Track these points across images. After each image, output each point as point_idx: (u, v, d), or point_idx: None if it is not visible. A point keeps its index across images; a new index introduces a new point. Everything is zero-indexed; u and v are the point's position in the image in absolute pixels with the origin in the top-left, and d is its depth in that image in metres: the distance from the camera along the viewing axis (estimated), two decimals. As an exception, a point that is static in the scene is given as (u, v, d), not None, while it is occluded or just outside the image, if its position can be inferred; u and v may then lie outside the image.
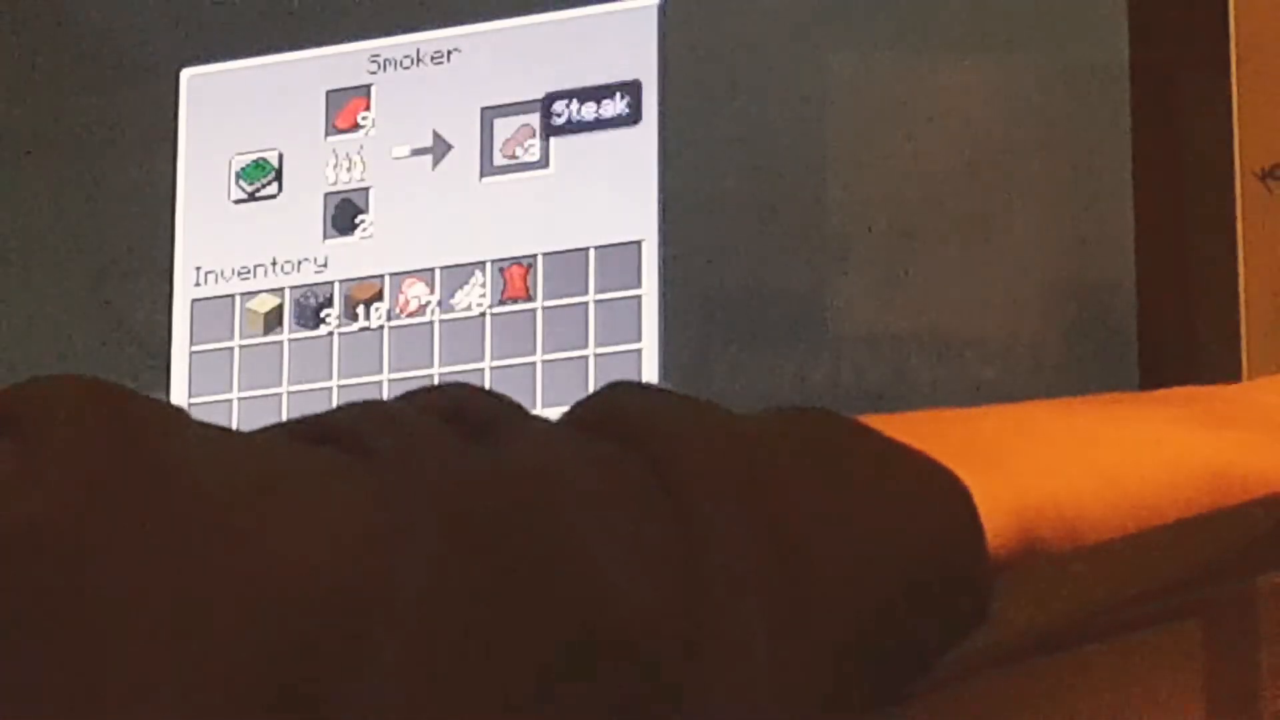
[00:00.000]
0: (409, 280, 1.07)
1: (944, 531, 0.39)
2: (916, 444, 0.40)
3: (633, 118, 1.07)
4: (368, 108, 1.09)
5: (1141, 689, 0.45)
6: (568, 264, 1.06)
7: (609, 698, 0.34)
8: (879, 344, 1.13)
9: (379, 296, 1.07)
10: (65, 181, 1.16)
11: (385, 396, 0.63)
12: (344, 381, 1.06)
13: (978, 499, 0.39)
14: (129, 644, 0.31)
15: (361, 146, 1.09)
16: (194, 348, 1.09)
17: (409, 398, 0.39)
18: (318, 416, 0.38)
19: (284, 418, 0.49)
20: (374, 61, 1.09)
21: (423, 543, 0.33)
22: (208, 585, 0.31)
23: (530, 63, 1.08)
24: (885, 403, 1.15)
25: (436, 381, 1.01)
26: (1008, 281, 1.11)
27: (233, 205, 1.11)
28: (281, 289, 1.08)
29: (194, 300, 1.10)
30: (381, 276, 1.07)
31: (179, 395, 1.08)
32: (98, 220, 1.14)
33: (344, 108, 1.10)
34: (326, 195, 1.09)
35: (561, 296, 1.06)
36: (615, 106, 1.07)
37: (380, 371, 1.06)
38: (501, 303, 1.06)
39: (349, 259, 1.08)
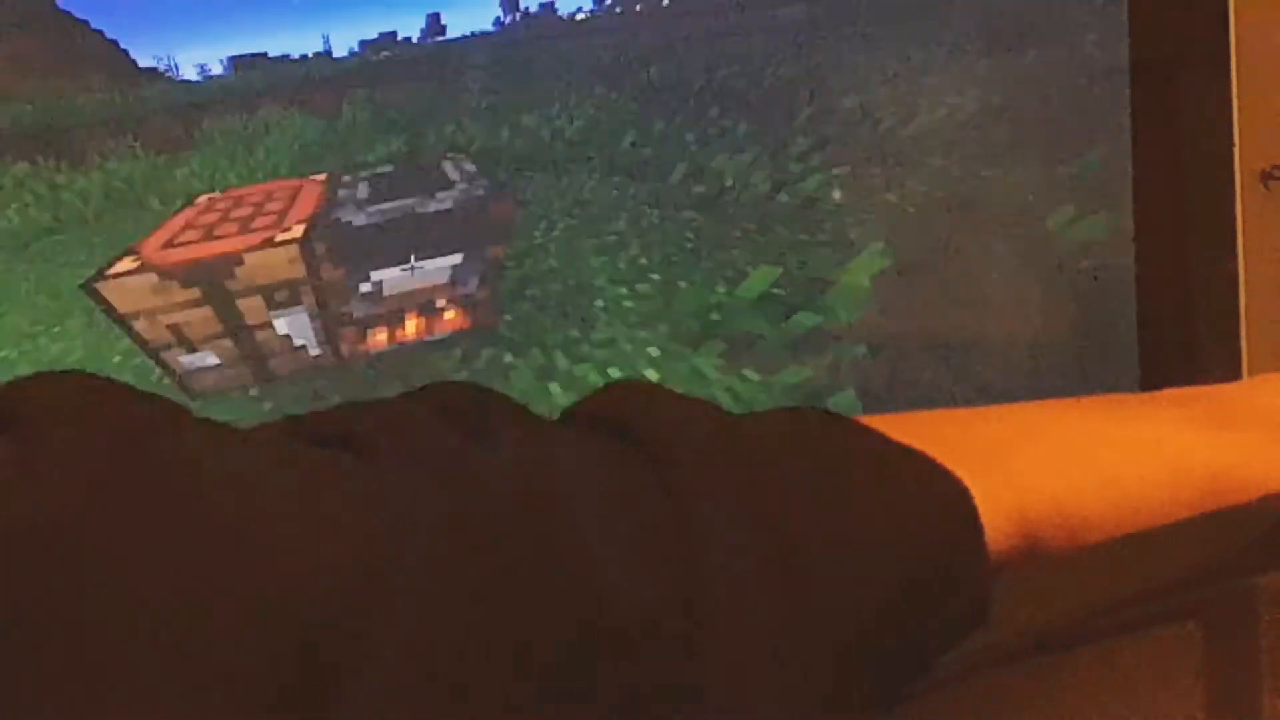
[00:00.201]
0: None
1: (944, 531, 0.39)
2: (917, 444, 0.40)
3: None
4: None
5: (1141, 689, 0.45)
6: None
7: (609, 696, 0.34)
8: (879, 344, 1.13)
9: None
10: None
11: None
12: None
13: (978, 499, 0.39)
14: (129, 643, 0.30)
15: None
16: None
17: (409, 396, 0.39)
18: (318, 414, 0.38)
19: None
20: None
21: (422, 542, 0.33)
22: (208, 585, 0.31)
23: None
24: (885, 403, 1.15)
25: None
26: (1008, 281, 1.11)
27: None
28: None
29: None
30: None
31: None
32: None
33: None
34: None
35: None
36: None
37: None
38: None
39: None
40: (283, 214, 1.19)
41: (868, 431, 0.40)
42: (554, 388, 1.13)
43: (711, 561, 0.36)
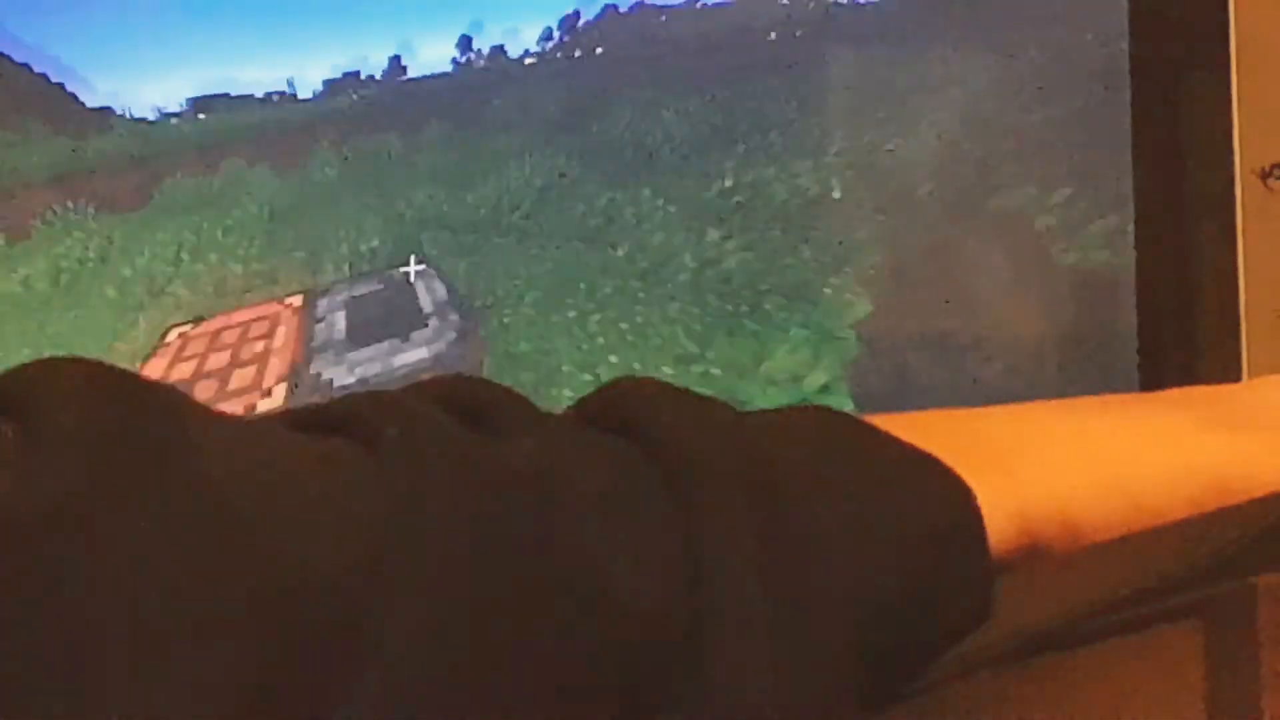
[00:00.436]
0: None
1: (947, 531, 0.39)
2: (920, 444, 0.40)
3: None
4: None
5: (1141, 689, 0.45)
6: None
7: (611, 695, 0.34)
8: (879, 344, 1.13)
9: None
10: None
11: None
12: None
13: (980, 499, 0.39)
14: (129, 631, 0.30)
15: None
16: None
17: (416, 388, 0.39)
18: (324, 405, 0.38)
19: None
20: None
21: (425, 536, 0.33)
22: (210, 576, 0.31)
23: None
24: (885, 403, 1.15)
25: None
26: (1008, 281, 1.11)
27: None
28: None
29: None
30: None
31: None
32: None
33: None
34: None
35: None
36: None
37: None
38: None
39: None
40: (262, 363, 1.16)
41: (872, 430, 0.40)
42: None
43: (714, 560, 0.36)
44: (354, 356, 1.16)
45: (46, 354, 0.34)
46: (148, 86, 1.19)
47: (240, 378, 1.16)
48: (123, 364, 1.17)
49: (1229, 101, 1.00)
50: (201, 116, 1.21)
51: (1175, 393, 0.49)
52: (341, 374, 1.17)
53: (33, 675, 0.30)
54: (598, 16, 1.22)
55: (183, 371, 1.13)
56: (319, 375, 1.17)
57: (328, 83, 1.28)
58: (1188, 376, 1.02)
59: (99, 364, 0.34)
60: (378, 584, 0.33)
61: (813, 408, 0.42)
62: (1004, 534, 0.40)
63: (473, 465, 0.35)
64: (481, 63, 1.24)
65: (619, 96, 1.17)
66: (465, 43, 1.28)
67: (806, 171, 1.16)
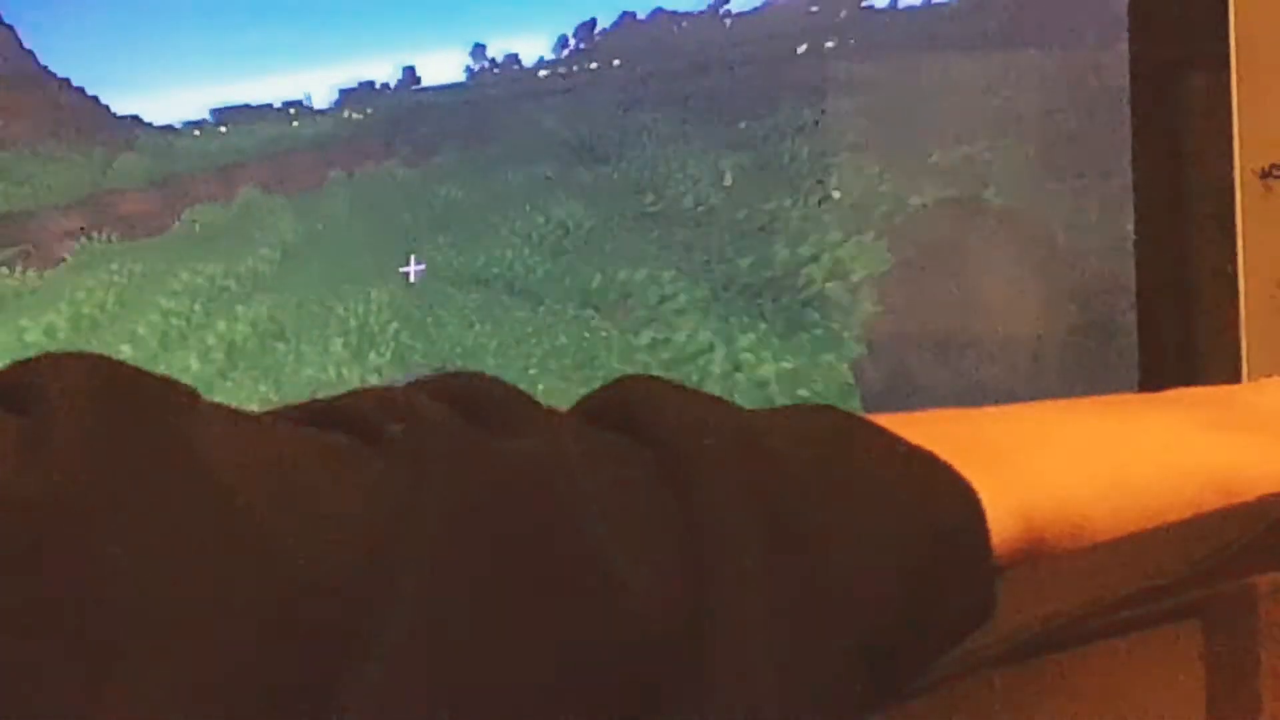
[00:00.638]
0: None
1: (949, 530, 0.39)
2: (922, 443, 0.40)
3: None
4: None
5: (1141, 689, 0.45)
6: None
7: (614, 693, 0.34)
8: (879, 344, 1.13)
9: None
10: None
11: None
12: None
13: (983, 498, 0.39)
14: (133, 626, 0.30)
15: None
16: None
17: (419, 385, 0.39)
18: (329, 401, 0.38)
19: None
20: None
21: (428, 533, 0.33)
22: (212, 571, 0.31)
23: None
24: (885, 403, 1.15)
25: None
26: (1008, 282, 1.11)
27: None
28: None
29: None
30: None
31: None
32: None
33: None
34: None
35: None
36: None
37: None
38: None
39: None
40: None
41: (875, 429, 0.40)
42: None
43: (717, 559, 0.36)
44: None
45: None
46: (171, 101, 1.23)
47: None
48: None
49: (1229, 101, 1.00)
50: (220, 135, 1.24)
51: (1175, 393, 0.49)
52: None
53: (32, 670, 0.30)
54: (615, 24, 1.22)
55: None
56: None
57: (344, 91, 1.29)
58: (1188, 376, 1.02)
59: (103, 358, 0.34)
60: (379, 580, 0.33)
61: (815, 406, 0.42)
62: (1006, 533, 0.40)
63: (475, 463, 0.35)
64: (495, 72, 1.24)
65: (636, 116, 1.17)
66: (479, 51, 1.29)
67: (807, 173, 1.16)
